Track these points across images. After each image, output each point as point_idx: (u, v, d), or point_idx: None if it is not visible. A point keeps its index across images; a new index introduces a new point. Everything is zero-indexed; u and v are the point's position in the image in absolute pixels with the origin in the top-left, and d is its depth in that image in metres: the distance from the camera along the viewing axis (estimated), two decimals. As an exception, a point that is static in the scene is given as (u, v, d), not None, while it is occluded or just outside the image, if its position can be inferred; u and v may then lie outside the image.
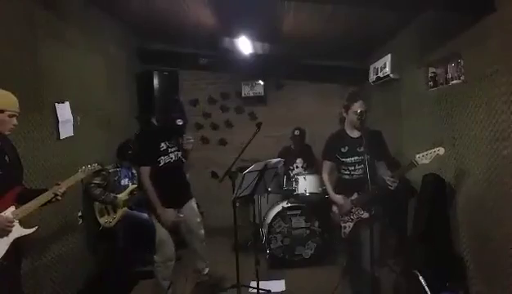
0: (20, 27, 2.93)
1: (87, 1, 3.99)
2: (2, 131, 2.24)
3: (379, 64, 4.73)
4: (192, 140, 3.50)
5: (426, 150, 2.74)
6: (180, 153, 3.44)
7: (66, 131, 3.45)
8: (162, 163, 3.30)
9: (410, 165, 2.79)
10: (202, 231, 3.60)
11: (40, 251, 3.02)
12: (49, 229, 3.14)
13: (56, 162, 3.26)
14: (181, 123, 3.29)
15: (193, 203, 3.58)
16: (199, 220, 3.58)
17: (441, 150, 2.72)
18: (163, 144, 3.31)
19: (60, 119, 3.34)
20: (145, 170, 3.26)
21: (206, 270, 3.68)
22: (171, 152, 3.36)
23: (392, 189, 2.85)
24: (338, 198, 3.16)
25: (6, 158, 2.25)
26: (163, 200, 3.29)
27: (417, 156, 2.75)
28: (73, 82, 3.65)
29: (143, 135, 3.52)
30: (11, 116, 2.23)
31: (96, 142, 4.06)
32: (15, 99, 2.27)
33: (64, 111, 3.41)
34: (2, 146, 2.25)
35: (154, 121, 3.47)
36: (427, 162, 2.73)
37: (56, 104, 3.32)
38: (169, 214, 3.29)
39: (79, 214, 3.68)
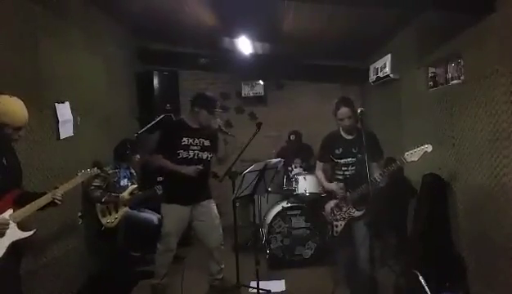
0: (20, 27, 2.93)
1: (87, 1, 3.99)
2: (13, 140, 2.26)
3: (379, 64, 4.73)
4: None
5: (414, 148, 2.81)
6: (204, 155, 3.47)
7: (66, 131, 3.44)
8: (180, 157, 3.38)
9: (400, 162, 2.84)
10: (220, 234, 3.58)
11: (40, 251, 3.02)
12: (49, 229, 3.14)
13: (55, 162, 3.26)
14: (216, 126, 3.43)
15: (211, 204, 3.57)
16: (217, 222, 3.56)
17: (429, 147, 2.78)
18: (185, 139, 3.39)
19: (60, 119, 3.34)
20: (158, 157, 3.39)
21: (220, 275, 3.64)
22: (192, 149, 3.42)
23: (381, 184, 2.89)
24: (332, 185, 3.19)
25: (4, 160, 2.23)
26: (174, 194, 3.40)
27: (406, 154, 2.82)
28: (73, 82, 3.64)
29: (166, 124, 3.70)
30: (19, 129, 2.25)
31: (96, 142, 4.06)
32: (22, 109, 2.26)
33: (64, 111, 3.41)
34: (2, 151, 2.23)
35: (184, 116, 3.56)
36: (415, 159, 2.79)
37: (56, 104, 3.31)
38: (191, 169, 3.33)
39: (79, 214, 3.67)
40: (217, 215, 3.59)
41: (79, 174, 2.64)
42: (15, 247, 2.20)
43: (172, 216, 3.42)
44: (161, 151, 3.39)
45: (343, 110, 3.03)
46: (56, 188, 2.41)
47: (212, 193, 3.68)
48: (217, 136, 3.48)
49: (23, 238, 2.24)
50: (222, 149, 3.54)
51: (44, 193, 2.36)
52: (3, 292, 2.18)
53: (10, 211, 2.21)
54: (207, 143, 3.49)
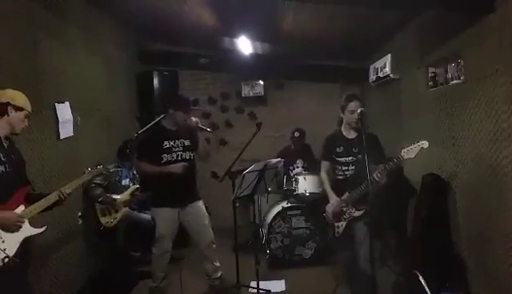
0: (20, 27, 2.93)
1: (87, 1, 3.99)
2: (16, 130, 2.31)
3: (379, 64, 4.73)
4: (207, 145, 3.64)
5: (411, 144, 2.77)
6: (187, 155, 3.50)
7: (66, 131, 3.45)
8: (164, 161, 3.40)
9: (397, 160, 2.82)
10: (210, 233, 3.60)
11: (40, 251, 3.01)
12: (49, 229, 3.10)
13: (56, 162, 3.26)
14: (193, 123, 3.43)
15: (199, 204, 3.59)
16: (206, 221, 3.59)
17: (425, 144, 2.75)
18: (166, 143, 3.42)
19: (60, 119, 3.34)
20: (142, 164, 3.47)
21: (217, 274, 3.65)
22: (175, 151, 3.44)
23: (380, 183, 2.87)
24: (333, 197, 3.20)
25: (12, 155, 2.31)
26: (163, 197, 3.42)
27: (402, 151, 2.79)
28: (73, 82, 3.65)
29: (146, 132, 3.76)
30: (26, 116, 2.33)
31: (96, 142, 4.06)
32: (28, 101, 2.38)
33: (64, 111, 3.41)
34: (9, 145, 2.31)
35: (162, 121, 3.59)
36: (412, 156, 2.76)
37: (56, 104, 3.32)
38: (177, 167, 3.37)
39: (79, 214, 3.67)
40: (206, 214, 3.64)
41: (86, 172, 2.65)
42: (24, 244, 2.22)
43: (164, 218, 3.44)
44: (144, 158, 3.44)
45: (354, 103, 3.06)
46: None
47: (211, 193, 3.69)
48: (197, 135, 3.52)
49: (35, 234, 2.28)
50: (203, 147, 3.59)
51: (50, 193, 2.39)
52: (14, 290, 2.19)
53: (22, 208, 2.25)
54: (187, 143, 3.52)
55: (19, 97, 2.31)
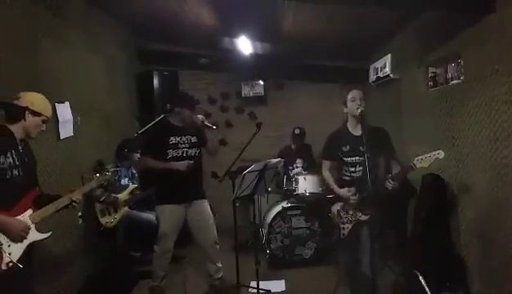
0: (20, 27, 2.93)
1: (88, 1, 3.99)
2: (32, 135, 2.30)
3: (379, 64, 4.73)
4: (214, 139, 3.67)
5: (425, 153, 2.67)
6: (193, 151, 3.51)
7: (66, 131, 3.44)
8: (169, 156, 3.40)
9: (409, 168, 2.74)
10: (214, 233, 3.58)
11: (40, 251, 3.01)
12: (49, 229, 3.12)
13: (56, 162, 3.26)
14: (200, 122, 3.45)
15: (205, 203, 3.59)
16: (211, 221, 3.58)
17: (441, 154, 2.62)
18: (172, 138, 3.43)
19: (60, 119, 3.34)
20: (146, 158, 3.47)
21: (219, 274, 3.63)
22: (181, 147, 3.45)
23: (390, 189, 2.81)
24: (342, 191, 3.03)
25: (25, 158, 2.29)
26: (167, 194, 3.42)
27: (416, 159, 2.69)
28: (73, 82, 3.64)
29: (153, 127, 3.85)
30: (44, 121, 2.32)
31: (96, 142, 4.06)
32: (50, 105, 2.37)
33: (64, 111, 3.41)
34: (23, 148, 2.29)
35: (169, 117, 3.62)
36: (426, 165, 2.66)
37: (56, 104, 3.31)
38: (181, 164, 3.36)
39: (79, 214, 3.67)
40: (211, 214, 3.62)
41: (95, 177, 2.64)
42: (28, 248, 2.21)
43: (167, 216, 3.43)
44: (149, 153, 3.44)
45: (355, 92, 2.97)
46: (73, 191, 2.42)
47: (211, 193, 3.69)
48: (203, 131, 3.53)
49: (40, 240, 2.26)
50: (212, 143, 3.61)
51: (58, 195, 2.38)
52: (17, 293, 2.19)
53: (29, 212, 2.23)
54: (194, 139, 3.53)
55: (38, 102, 2.29)
